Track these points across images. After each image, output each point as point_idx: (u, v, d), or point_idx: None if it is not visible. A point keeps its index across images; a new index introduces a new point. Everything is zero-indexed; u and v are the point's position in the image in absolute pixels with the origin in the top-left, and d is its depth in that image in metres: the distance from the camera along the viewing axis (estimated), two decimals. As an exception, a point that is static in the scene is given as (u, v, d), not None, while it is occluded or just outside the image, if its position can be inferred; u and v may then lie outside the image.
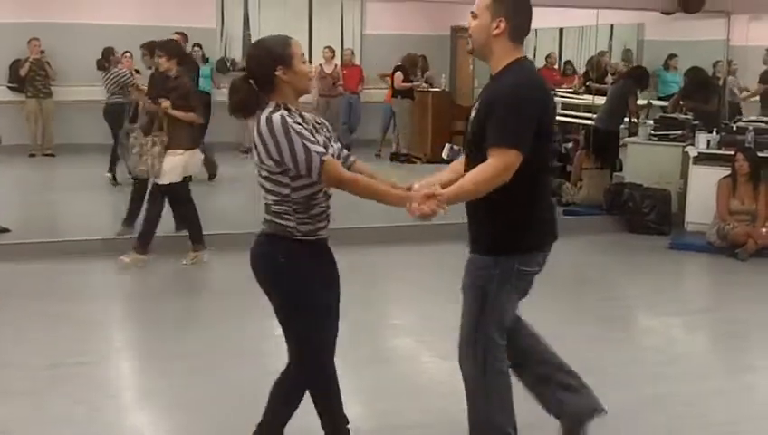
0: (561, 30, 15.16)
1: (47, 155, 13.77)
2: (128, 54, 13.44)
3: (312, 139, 3.39)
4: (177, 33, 11.07)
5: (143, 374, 5.26)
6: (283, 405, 3.76)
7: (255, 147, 3.41)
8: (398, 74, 13.75)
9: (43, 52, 13.69)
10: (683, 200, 9.41)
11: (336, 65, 15.03)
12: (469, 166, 3.63)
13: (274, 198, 3.46)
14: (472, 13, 3.62)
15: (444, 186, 3.63)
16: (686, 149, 9.44)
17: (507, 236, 3.61)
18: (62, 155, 13.41)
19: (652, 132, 10.04)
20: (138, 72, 13.49)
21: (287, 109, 3.42)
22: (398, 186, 3.68)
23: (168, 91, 7.39)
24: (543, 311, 6.53)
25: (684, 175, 9.51)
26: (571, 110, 12.73)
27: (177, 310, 6.57)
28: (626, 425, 4.52)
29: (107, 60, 11.09)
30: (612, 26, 13.51)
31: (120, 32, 13.41)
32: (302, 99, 3.55)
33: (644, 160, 9.95)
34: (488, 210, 3.56)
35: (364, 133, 15.02)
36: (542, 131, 3.55)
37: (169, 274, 7.53)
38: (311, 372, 3.71)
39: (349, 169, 3.64)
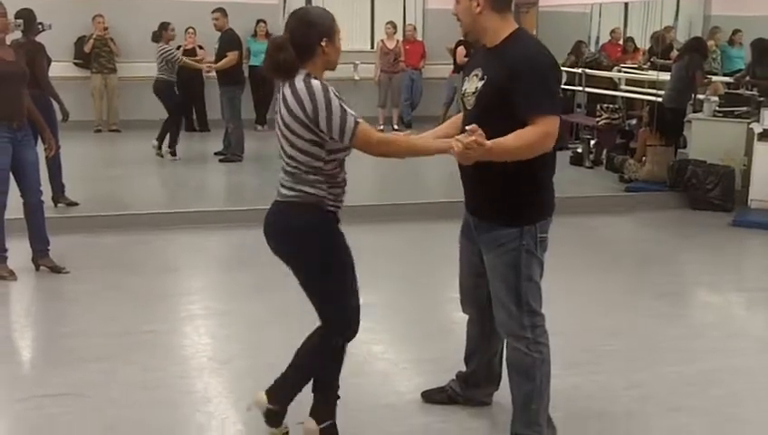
0: (626, 5, 14.99)
1: (113, 130, 14.01)
2: (191, 30, 13.65)
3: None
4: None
5: (211, 343, 5.33)
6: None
7: (288, 110, 3.43)
8: (461, 49, 13.64)
9: (107, 28, 13.91)
10: (747, 177, 9.27)
11: (398, 41, 14.99)
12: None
13: (305, 168, 3.49)
14: None
15: (441, 137, 3.81)
16: (750, 126, 9.30)
17: (530, 204, 3.60)
18: (128, 130, 13.63)
19: (717, 109, 9.91)
20: (201, 47, 13.71)
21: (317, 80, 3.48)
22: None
23: None
24: (604, 284, 6.60)
25: (748, 152, 9.37)
26: (635, 86, 12.57)
27: (245, 278, 6.57)
28: (684, 398, 4.52)
29: (160, 35, 11.28)
30: (678, 1, 13.32)
31: (183, 8, 13.60)
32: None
33: (708, 137, 9.80)
34: (510, 180, 3.50)
35: (426, 109, 15.01)
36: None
37: (235, 246, 7.66)
38: (339, 327, 3.73)
39: None
